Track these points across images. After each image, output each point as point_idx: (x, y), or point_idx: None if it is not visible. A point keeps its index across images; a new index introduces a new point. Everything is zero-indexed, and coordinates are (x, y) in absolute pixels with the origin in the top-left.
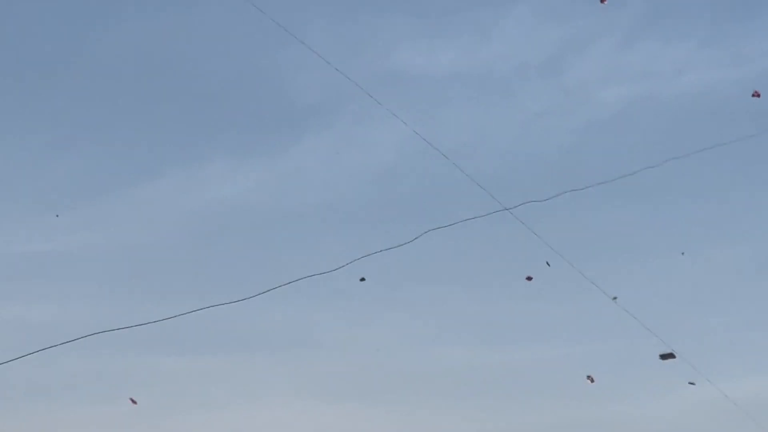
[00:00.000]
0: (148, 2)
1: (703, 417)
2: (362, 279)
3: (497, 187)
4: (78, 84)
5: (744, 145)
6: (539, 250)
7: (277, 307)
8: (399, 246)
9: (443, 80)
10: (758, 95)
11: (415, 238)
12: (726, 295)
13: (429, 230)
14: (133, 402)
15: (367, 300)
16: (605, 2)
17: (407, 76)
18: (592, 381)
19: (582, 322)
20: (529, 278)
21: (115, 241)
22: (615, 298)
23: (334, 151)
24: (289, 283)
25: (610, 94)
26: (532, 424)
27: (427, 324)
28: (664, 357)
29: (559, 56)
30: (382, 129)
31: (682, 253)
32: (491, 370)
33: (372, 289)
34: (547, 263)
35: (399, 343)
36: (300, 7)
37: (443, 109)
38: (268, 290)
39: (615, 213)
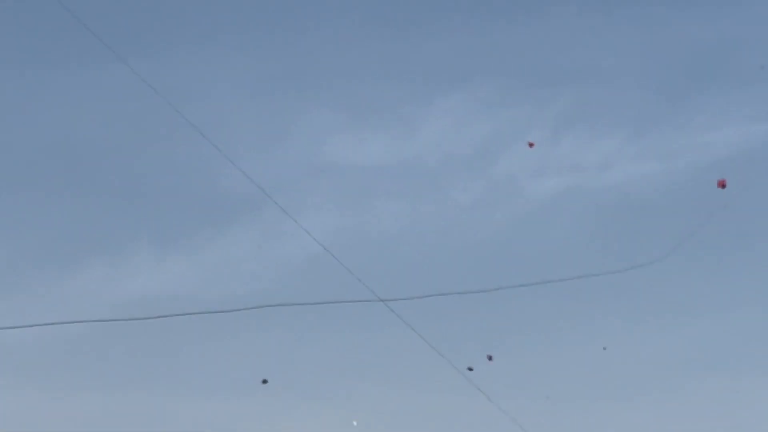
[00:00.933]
0: (72, 93)
1: None
2: (264, 381)
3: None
4: None
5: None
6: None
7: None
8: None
9: (371, 172)
10: (723, 185)
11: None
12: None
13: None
14: None
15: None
16: (533, 146)
17: (336, 167)
18: None
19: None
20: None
21: (34, 335)
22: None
23: (259, 244)
24: None
25: (538, 187)
26: None
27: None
28: None
29: (487, 149)
30: (309, 221)
31: (604, 348)
32: None
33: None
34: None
35: None
36: (230, 99)
37: (372, 201)
38: None
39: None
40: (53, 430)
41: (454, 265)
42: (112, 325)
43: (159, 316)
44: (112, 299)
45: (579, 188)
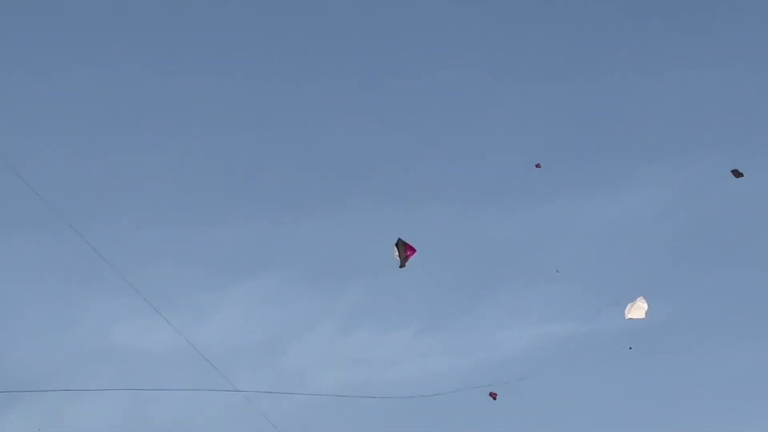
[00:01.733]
0: None
1: None
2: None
3: None
4: None
5: None
6: None
7: None
8: None
9: (158, 358)
10: (494, 396)
11: None
12: None
13: None
14: None
15: None
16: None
17: (121, 352)
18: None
19: None
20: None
21: None
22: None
23: (36, 428)
24: None
25: (326, 379)
26: None
27: None
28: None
29: (276, 339)
30: (93, 405)
31: None
32: None
33: None
34: None
35: None
36: (19, 281)
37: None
38: None
39: None
40: None
41: None
42: None
43: None
44: None
45: (366, 382)
